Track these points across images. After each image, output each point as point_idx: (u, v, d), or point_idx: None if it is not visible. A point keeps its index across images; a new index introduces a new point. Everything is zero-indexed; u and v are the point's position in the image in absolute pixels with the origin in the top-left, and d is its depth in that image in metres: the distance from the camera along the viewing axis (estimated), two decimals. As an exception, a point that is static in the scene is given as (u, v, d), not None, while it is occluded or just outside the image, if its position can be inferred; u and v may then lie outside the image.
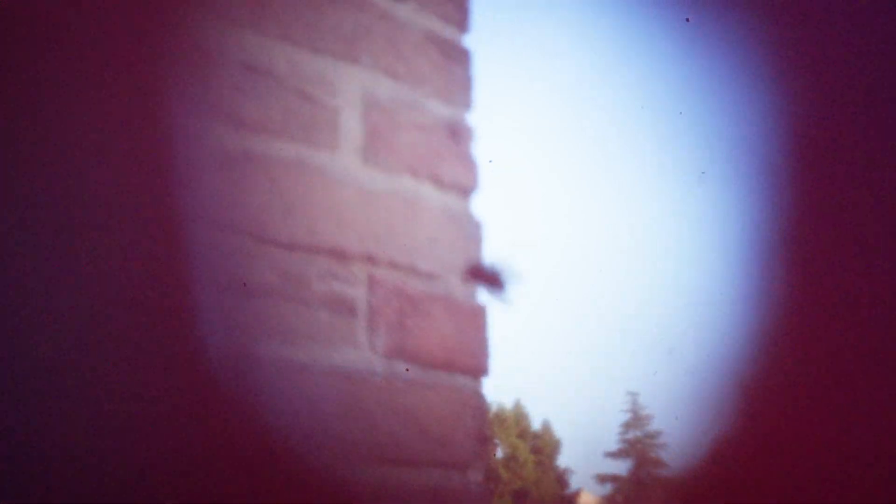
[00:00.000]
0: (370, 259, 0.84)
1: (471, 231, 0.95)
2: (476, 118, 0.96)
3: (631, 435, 28.30)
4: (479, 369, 0.93)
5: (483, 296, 0.94)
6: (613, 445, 28.36)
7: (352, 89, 0.85)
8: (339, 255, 0.82)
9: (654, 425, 28.28)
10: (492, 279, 0.93)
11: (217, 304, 0.71)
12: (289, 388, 0.75)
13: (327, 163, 0.82)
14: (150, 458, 0.66)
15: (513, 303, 0.94)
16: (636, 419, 28.37)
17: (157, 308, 0.68)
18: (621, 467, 28.23)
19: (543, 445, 24.43)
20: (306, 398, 0.77)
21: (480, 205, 0.95)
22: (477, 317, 0.94)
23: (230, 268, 0.73)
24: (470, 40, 0.95)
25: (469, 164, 0.95)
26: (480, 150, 0.96)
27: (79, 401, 0.64)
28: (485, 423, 0.93)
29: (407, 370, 0.86)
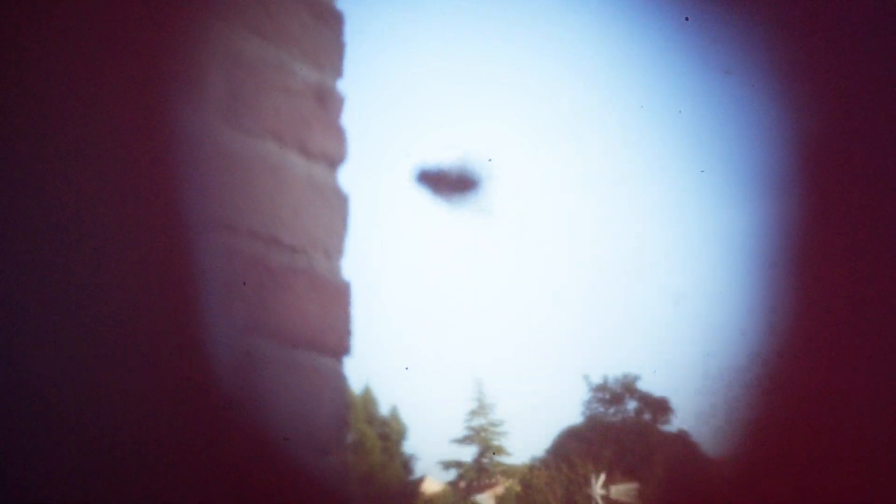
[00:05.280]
0: (228, 227, 0.78)
1: (337, 204, 0.90)
2: (346, 86, 0.91)
3: (475, 422, 28.80)
4: (341, 349, 0.88)
5: (449, 206, 0.79)
6: (459, 432, 28.79)
7: (216, 43, 0.79)
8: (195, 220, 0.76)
9: (497, 413, 28.90)
10: (457, 183, 0.77)
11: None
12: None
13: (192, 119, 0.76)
14: (147, 458, 0.67)
15: (490, 210, 0.77)
16: (481, 407, 28.89)
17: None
18: (466, 453, 28.70)
19: (390, 432, 24.52)
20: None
21: (347, 177, 0.91)
22: (341, 294, 0.89)
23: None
24: (343, 2, 0.90)
25: (338, 134, 0.90)
26: (350, 119, 0.91)
27: (77, 400, 0.63)
28: (345, 406, 0.89)
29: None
